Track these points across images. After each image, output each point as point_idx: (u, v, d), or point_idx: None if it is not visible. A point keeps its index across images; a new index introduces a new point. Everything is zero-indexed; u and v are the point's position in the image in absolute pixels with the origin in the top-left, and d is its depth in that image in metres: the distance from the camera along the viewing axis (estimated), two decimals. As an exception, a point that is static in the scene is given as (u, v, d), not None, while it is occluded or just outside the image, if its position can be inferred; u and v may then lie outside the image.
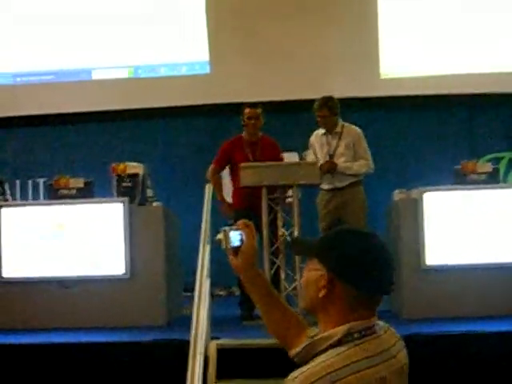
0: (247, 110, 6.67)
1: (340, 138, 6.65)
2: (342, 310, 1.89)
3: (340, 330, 1.85)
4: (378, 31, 9.32)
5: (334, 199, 6.63)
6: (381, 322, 1.97)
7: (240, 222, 2.21)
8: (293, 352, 1.95)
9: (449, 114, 9.43)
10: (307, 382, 1.73)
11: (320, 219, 6.69)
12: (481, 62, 9.20)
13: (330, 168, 6.54)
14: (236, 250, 2.23)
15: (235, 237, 2.24)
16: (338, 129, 6.66)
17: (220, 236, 2.26)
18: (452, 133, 9.36)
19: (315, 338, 1.90)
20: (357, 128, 6.74)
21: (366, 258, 1.89)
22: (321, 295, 1.90)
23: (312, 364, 1.81)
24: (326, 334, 1.88)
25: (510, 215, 6.19)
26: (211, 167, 6.74)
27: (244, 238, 2.22)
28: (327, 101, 6.60)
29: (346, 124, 6.72)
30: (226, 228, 2.26)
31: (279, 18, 9.26)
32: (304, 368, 1.80)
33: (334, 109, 6.60)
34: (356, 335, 1.85)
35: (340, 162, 6.58)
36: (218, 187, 6.69)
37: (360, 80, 9.25)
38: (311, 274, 1.94)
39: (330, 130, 6.66)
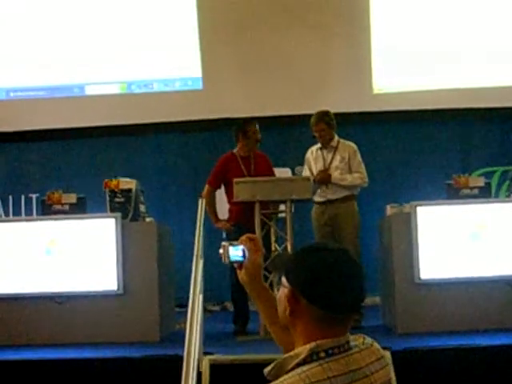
0: (254, 126, 6.68)
1: (335, 152, 6.70)
2: (309, 328, 1.83)
3: (305, 349, 1.80)
4: (371, 46, 9.35)
5: (326, 212, 6.65)
6: (367, 339, 1.93)
7: (243, 236, 2.21)
8: (265, 370, 1.88)
9: (441, 128, 9.46)
10: None
11: (314, 232, 6.71)
12: (473, 76, 9.23)
13: (324, 178, 6.57)
14: (241, 264, 2.25)
15: (236, 251, 2.26)
16: (334, 143, 6.72)
17: (220, 250, 2.29)
18: (444, 147, 9.39)
19: (284, 356, 1.85)
20: (352, 143, 6.82)
21: (328, 276, 1.81)
22: (287, 313, 1.86)
23: (275, 383, 1.77)
24: (292, 352, 1.83)
25: (502, 229, 6.20)
26: (207, 188, 6.71)
27: (247, 252, 2.23)
28: (324, 115, 6.67)
29: (342, 140, 6.78)
30: (225, 243, 2.28)
31: (272, 35, 9.29)
32: None
33: (330, 122, 6.66)
34: (322, 354, 1.79)
35: (335, 174, 6.62)
36: (212, 210, 6.67)
37: (353, 95, 9.27)
38: (281, 291, 1.91)
39: (326, 145, 6.70)
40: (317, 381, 1.73)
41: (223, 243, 2.30)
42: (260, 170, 6.61)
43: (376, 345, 1.93)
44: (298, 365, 1.78)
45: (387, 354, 2.00)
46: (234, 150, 6.78)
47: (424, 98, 9.21)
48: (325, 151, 6.74)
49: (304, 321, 1.84)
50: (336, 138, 6.76)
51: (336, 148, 6.72)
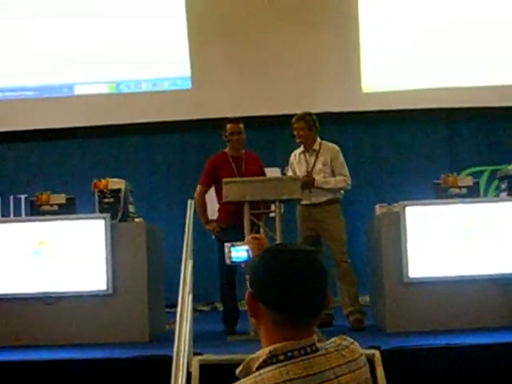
0: (229, 126, 6.69)
1: (317, 156, 6.70)
2: (268, 331, 1.82)
3: (265, 352, 1.78)
4: (360, 45, 9.37)
5: (311, 215, 6.66)
6: (347, 340, 1.90)
7: (249, 236, 2.20)
8: (237, 370, 1.85)
9: (429, 127, 9.49)
10: None
11: (298, 233, 6.71)
12: (461, 75, 9.27)
13: (307, 182, 6.56)
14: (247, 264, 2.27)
15: (239, 252, 2.27)
16: (316, 146, 6.72)
17: (226, 251, 2.32)
18: (432, 147, 9.42)
19: (249, 358, 1.83)
20: (334, 145, 6.81)
21: (282, 279, 1.78)
22: (249, 315, 1.86)
23: None
24: (255, 354, 1.81)
25: (490, 228, 6.23)
26: (199, 189, 6.70)
27: (251, 252, 2.24)
28: (305, 115, 6.69)
29: (324, 142, 6.79)
30: (228, 244, 2.31)
31: (262, 34, 9.30)
32: None
33: (311, 123, 6.66)
34: (281, 357, 1.76)
35: (318, 177, 6.62)
36: (203, 211, 6.67)
37: (342, 94, 9.30)
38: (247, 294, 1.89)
39: (307, 147, 6.71)
40: None
41: (226, 244, 2.34)
42: (251, 170, 6.61)
43: (353, 346, 1.90)
44: (259, 367, 1.77)
45: (366, 354, 1.96)
46: (225, 150, 6.78)
47: (412, 97, 9.24)
48: (307, 154, 6.74)
49: (264, 323, 1.83)
50: (318, 140, 6.76)
51: (318, 151, 6.72)
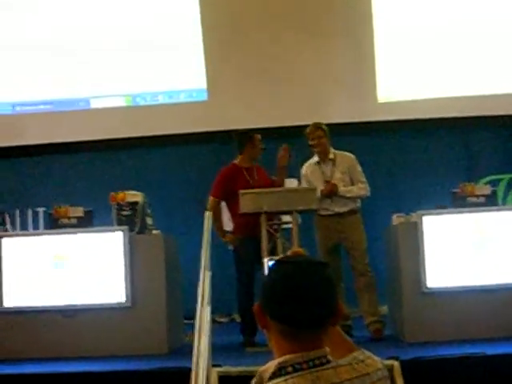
0: (259, 137, 6.71)
1: (334, 165, 6.69)
2: (278, 342, 1.83)
3: (274, 363, 1.79)
4: (375, 55, 9.37)
5: (332, 225, 6.63)
6: (364, 354, 1.89)
7: (291, 250, 2.19)
8: (251, 382, 1.86)
9: (446, 136, 9.45)
10: None
11: (319, 245, 6.69)
12: (477, 84, 9.23)
13: (331, 190, 6.54)
14: None
15: None
16: (331, 156, 6.71)
17: (265, 265, 2.34)
18: (450, 155, 9.38)
19: (261, 369, 1.84)
20: (350, 154, 6.81)
21: (285, 290, 1.79)
22: (260, 327, 1.87)
23: None
24: (265, 366, 1.82)
25: (509, 237, 6.20)
26: (212, 200, 6.63)
27: None
28: (320, 124, 6.69)
29: (338, 152, 6.78)
30: (266, 259, 2.33)
31: (276, 46, 9.30)
32: None
33: (327, 133, 6.67)
34: (289, 369, 1.77)
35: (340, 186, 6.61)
36: (219, 224, 6.67)
37: (358, 104, 9.29)
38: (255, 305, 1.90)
39: (323, 157, 6.70)
40: None
41: (265, 259, 2.37)
42: (262, 181, 6.63)
43: (370, 361, 1.89)
44: (269, 379, 1.78)
45: (386, 365, 1.94)
46: (236, 161, 6.78)
47: (428, 106, 9.22)
48: (323, 165, 6.72)
49: (273, 335, 1.84)
50: (332, 150, 6.77)
51: (334, 160, 6.72)
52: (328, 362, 1.80)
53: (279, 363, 1.78)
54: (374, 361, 1.90)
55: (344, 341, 2.04)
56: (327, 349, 1.83)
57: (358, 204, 6.76)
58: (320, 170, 6.72)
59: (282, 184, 6.72)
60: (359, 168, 6.76)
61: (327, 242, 6.62)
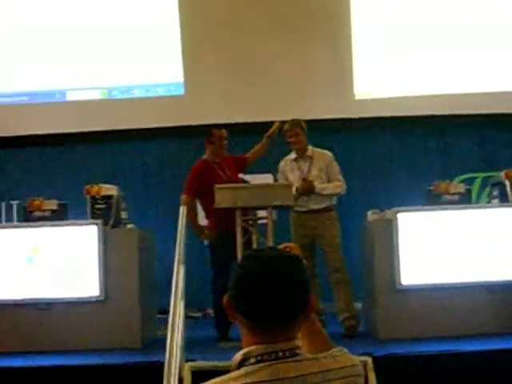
0: (221, 132, 6.72)
1: (312, 163, 6.71)
2: (244, 333, 1.84)
3: (239, 354, 1.81)
4: (352, 52, 9.38)
5: (307, 222, 6.65)
6: (339, 351, 1.90)
7: (281, 246, 2.14)
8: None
9: (422, 134, 9.49)
10: None
11: (295, 240, 6.69)
12: (453, 83, 9.28)
13: (307, 187, 6.56)
14: None
15: None
16: (309, 153, 6.74)
17: None
18: (425, 153, 9.42)
19: (233, 359, 1.85)
20: (328, 152, 6.83)
21: (247, 284, 1.80)
22: (230, 319, 1.88)
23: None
24: (235, 356, 1.84)
25: (483, 235, 6.24)
26: (185, 198, 6.56)
27: None
28: (299, 121, 6.71)
29: (316, 149, 6.80)
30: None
31: (254, 40, 9.30)
32: None
33: (305, 130, 6.70)
34: (252, 360, 1.78)
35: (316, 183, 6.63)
36: (195, 222, 6.64)
37: (335, 101, 9.29)
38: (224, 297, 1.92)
39: (301, 154, 6.72)
40: None
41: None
42: (233, 172, 6.68)
43: (341, 358, 1.88)
44: (236, 369, 1.80)
45: (358, 364, 1.93)
46: (205, 157, 6.79)
47: (405, 103, 9.25)
48: (301, 161, 6.74)
49: (240, 326, 1.85)
50: (310, 147, 6.78)
51: (312, 158, 6.74)
52: (295, 355, 1.80)
53: (244, 354, 1.80)
54: (349, 358, 1.90)
55: (324, 338, 2.06)
56: (297, 342, 1.83)
57: (334, 201, 6.78)
58: (297, 167, 6.73)
59: (259, 153, 7.02)
60: (336, 166, 6.78)
61: (302, 238, 6.62)
